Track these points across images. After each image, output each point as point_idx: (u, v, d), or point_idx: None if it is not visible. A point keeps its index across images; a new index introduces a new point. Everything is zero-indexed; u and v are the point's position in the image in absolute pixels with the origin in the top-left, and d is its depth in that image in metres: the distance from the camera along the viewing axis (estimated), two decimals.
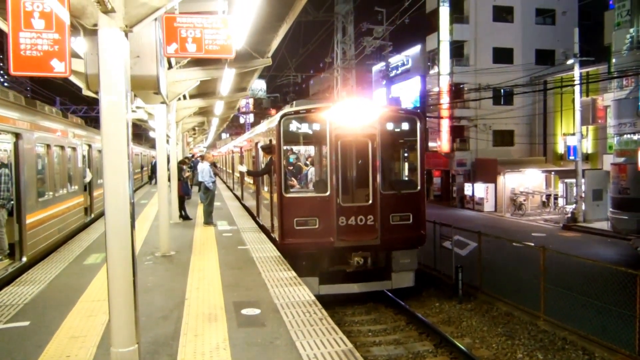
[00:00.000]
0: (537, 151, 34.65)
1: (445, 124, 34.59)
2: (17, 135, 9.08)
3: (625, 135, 21.47)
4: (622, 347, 8.34)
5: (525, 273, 11.61)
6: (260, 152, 13.59)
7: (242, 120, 71.66)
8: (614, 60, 23.03)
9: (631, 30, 20.60)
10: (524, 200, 29.16)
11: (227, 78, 13.53)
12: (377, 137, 10.96)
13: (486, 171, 31.65)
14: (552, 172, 30.44)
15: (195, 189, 19.21)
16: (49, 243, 10.70)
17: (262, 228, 13.63)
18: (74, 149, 13.42)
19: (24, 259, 9.20)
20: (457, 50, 35.47)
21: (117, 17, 4.18)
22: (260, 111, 68.28)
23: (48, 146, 11.06)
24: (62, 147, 12.28)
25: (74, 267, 9.19)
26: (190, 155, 31.63)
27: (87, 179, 14.96)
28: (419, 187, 11.54)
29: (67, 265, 9.30)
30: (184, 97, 17.21)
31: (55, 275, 8.53)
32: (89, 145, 15.49)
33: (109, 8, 4.00)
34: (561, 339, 9.16)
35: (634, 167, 19.33)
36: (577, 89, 24.97)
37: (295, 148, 12.82)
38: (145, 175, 36.50)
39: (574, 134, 26.29)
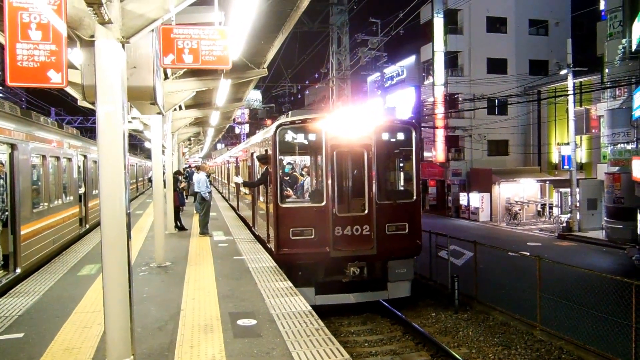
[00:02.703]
0: (531, 161, 34.80)
1: (440, 134, 34.75)
2: (13, 146, 9.06)
3: (619, 145, 21.61)
4: (618, 357, 8.34)
5: (521, 282, 11.63)
6: (256, 162, 13.60)
7: (237, 131, 71.80)
8: (606, 71, 23.24)
9: (623, 40, 20.78)
10: (519, 210, 29.25)
11: (223, 89, 13.56)
12: (373, 147, 10.99)
13: (481, 181, 31.77)
14: (547, 182, 30.55)
15: (190, 199, 19.20)
16: (43, 254, 10.64)
17: (257, 238, 13.60)
18: (69, 159, 13.40)
19: (18, 270, 9.14)
20: (452, 61, 35.72)
21: (114, 28, 4.20)
22: (256, 121, 68.46)
23: (43, 157, 11.04)
24: (58, 158, 12.25)
25: (68, 278, 9.14)
26: (186, 165, 31.62)
27: (81, 191, 14.93)
28: (414, 197, 11.56)
29: (62, 276, 9.25)
30: (180, 107, 17.22)
31: (50, 286, 8.48)
32: (85, 156, 15.47)
33: (106, 19, 4.02)
34: (558, 349, 9.16)
35: (628, 176, 19.44)
36: (570, 99, 25.16)
37: (291, 158, 12.83)
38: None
39: (568, 144, 26.45)
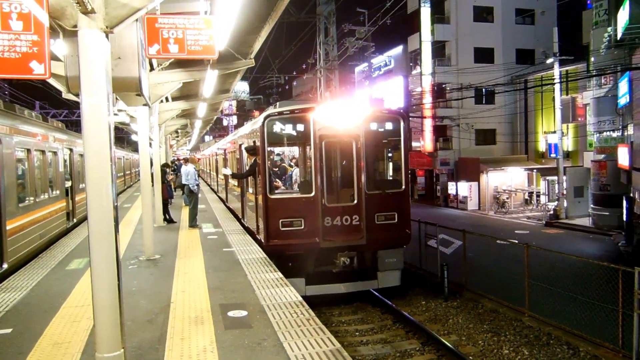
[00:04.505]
0: (519, 149, 35.04)
1: (428, 124, 34.83)
2: None
3: (604, 133, 21.83)
4: (605, 341, 8.46)
5: (510, 270, 11.74)
6: (245, 154, 13.55)
7: (225, 123, 71.42)
8: (592, 59, 23.40)
9: (609, 29, 20.92)
10: (507, 198, 29.47)
11: (209, 80, 13.44)
12: (361, 138, 10.98)
13: (469, 170, 31.94)
14: (534, 170, 30.80)
15: (178, 192, 19.11)
16: (30, 249, 10.53)
17: (247, 230, 13.57)
18: (55, 153, 13.24)
19: (5, 266, 9.04)
20: (439, 51, 35.76)
21: (98, 18, 4.12)
22: (244, 113, 68.14)
23: (28, 151, 10.89)
24: (43, 152, 12.10)
25: (56, 272, 9.05)
26: (174, 158, 31.42)
27: (67, 185, 14.78)
28: (403, 187, 11.59)
29: (50, 271, 9.16)
30: (167, 99, 17.06)
31: (38, 281, 8.40)
32: (71, 150, 15.29)
33: (89, 9, 3.94)
34: (546, 334, 9.27)
35: (613, 163, 19.64)
36: (557, 87, 25.35)
37: (279, 149, 12.79)
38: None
39: (554, 132, 26.65)
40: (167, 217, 15.23)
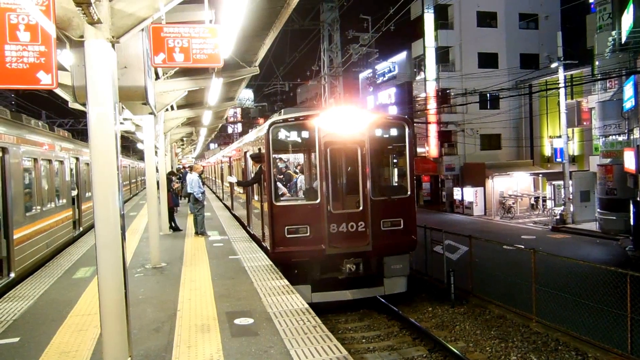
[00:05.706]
0: (524, 154, 34.94)
1: (433, 129, 34.79)
2: (3, 150, 8.98)
3: (610, 137, 21.71)
4: (614, 347, 8.39)
5: (517, 275, 11.65)
6: (250, 161, 13.57)
7: (230, 130, 71.65)
8: (597, 63, 23.31)
9: (613, 32, 20.84)
10: (513, 203, 29.35)
11: (214, 88, 13.51)
12: (366, 144, 10.98)
13: (475, 175, 31.85)
14: (540, 175, 30.68)
15: (184, 199, 19.15)
16: (37, 258, 10.57)
17: (253, 237, 13.58)
18: (61, 162, 13.31)
19: (12, 275, 9.07)
20: (443, 56, 35.76)
21: (104, 28, 4.16)
22: (248, 120, 68.34)
23: (35, 160, 10.96)
24: (49, 161, 12.17)
25: (63, 281, 9.08)
26: (180, 166, 31.53)
27: (74, 193, 14.86)
28: (409, 193, 11.57)
29: (57, 279, 9.19)
30: (172, 107, 17.15)
31: (45, 290, 8.43)
32: (77, 159, 15.37)
33: (95, 19, 3.98)
34: (554, 340, 9.20)
35: (620, 167, 19.53)
36: (561, 91, 25.27)
37: (284, 156, 12.81)
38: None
39: (560, 137, 26.56)
40: (173, 225, 15.27)
